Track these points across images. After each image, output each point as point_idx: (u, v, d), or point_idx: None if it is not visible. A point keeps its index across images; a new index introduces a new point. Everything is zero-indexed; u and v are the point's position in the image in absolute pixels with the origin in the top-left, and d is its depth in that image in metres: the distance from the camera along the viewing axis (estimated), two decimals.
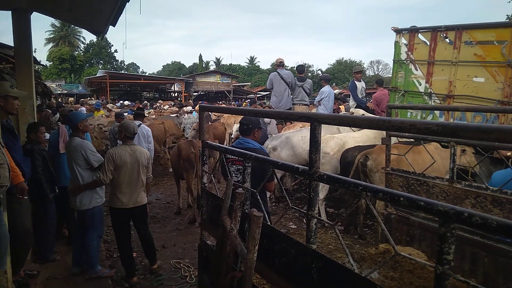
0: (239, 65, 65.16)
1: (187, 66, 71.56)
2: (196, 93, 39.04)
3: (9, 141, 3.53)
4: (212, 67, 60.62)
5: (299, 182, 8.17)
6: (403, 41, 7.51)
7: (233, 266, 2.28)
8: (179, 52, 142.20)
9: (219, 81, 40.31)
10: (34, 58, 6.72)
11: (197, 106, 20.94)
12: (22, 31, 5.81)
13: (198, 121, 9.75)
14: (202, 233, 2.91)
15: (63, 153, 4.70)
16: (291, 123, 8.41)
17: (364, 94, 9.50)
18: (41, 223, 4.22)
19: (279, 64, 9.05)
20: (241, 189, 2.44)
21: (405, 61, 7.48)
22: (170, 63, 78.47)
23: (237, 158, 3.48)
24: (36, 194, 4.14)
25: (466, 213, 1.17)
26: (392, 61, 7.79)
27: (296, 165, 2.02)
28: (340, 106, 11.51)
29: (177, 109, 18.70)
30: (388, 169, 4.01)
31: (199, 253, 2.92)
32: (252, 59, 67.31)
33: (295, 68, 10.68)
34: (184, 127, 11.89)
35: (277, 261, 2.10)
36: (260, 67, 64.39)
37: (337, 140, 6.09)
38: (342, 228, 5.67)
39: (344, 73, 51.22)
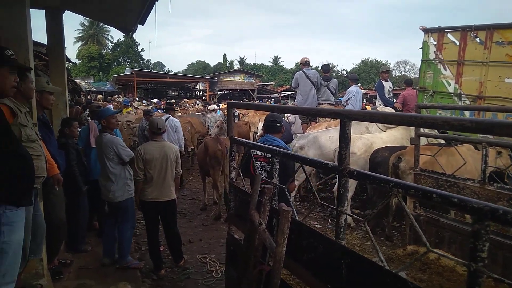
0: (263, 64, 65.23)
1: (212, 65, 72.21)
2: (220, 92, 39.38)
3: (45, 135, 3.66)
4: (236, 66, 60.93)
5: (324, 182, 8.13)
6: (432, 40, 7.36)
7: (261, 260, 2.32)
8: (204, 51, 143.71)
9: (243, 80, 40.49)
10: (65, 56, 6.95)
11: (222, 104, 21.17)
12: (55, 29, 6.02)
13: (220, 119, 9.95)
14: (230, 227, 2.95)
15: (94, 147, 4.86)
16: (316, 123, 8.38)
17: (391, 95, 9.36)
18: (74, 215, 4.37)
19: (305, 63, 9.03)
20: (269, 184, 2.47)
21: (433, 61, 7.33)
22: (195, 62, 79.33)
23: (262, 155, 3.51)
24: (70, 187, 4.29)
25: (501, 210, 1.15)
26: (420, 61, 7.65)
27: (326, 162, 2.03)
28: (366, 106, 11.39)
29: (202, 107, 18.93)
30: (417, 169, 3.96)
31: (226, 246, 2.97)
32: (276, 59, 67.24)
33: (319, 68, 10.62)
34: (208, 125, 12.06)
35: (305, 256, 2.12)
36: (284, 66, 64.23)
37: (364, 140, 6.03)
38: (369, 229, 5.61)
39: (369, 73, 50.47)
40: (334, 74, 47.75)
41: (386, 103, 8.85)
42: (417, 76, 8.38)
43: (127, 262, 4.25)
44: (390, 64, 53.67)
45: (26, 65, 2.95)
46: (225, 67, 60.71)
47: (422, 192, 1.46)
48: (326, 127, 7.40)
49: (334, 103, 9.69)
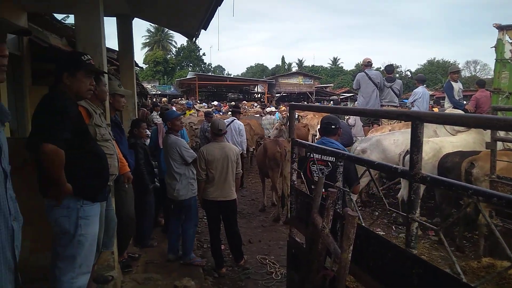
0: (322, 66, 64.43)
1: (270, 68, 72.62)
2: (278, 94, 39.46)
3: (117, 135, 3.89)
4: (294, 68, 60.74)
5: (387, 188, 7.81)
6: (507, 38, 6.79)
7: (325, 266, 2.27)
8: (262, 54, 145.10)
9: (302, 83, 40.21)
10: (134, 61, 7.36)
11: (280, 106, 21.19)
12: (125, 35, 6.36)
13: (279, 121, 9.95)
14: (291, 230, 2.92)
15: (162, 148, 5.09)
16: (379, 125, 8.08)
17: (461, 96, 8.76)
18: (142, 211, 4.59)
19: (367, 64, 8.74)
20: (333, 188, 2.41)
21: (509, 60, 6.74)
22: (254, 65, 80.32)
23: (319, 157, 3.44)
24: (138, 185, 4.52)
25: None
26: (494, 61, 7.08)
27: (395, 166, 1.93)
28: (434, 109, 10.77)
29: (260, 109, 19.09)
30: (494, 176, 3.65)
31: (288, 249, 2.94)
32: (335, 60, 66.07)
33: (381, 69, 10.25)
34: (263, 127, 12.13)
35: (371, 263, 2.03)
36: (344, 68, 62.89)
37: (432, 144, 5.70)
38: (436, 239, 5.29)
39: (436, 74, 47.74)
40: (397, 75, 45.83)
41: (456, 105, 8.29)
42: (490, 77, 7.78)
43: (190, 259, 4.38)
44: (459, 64, 50.39)
45: (101, 69, 3.13)
46: (283, 70, 60.78)
47: (506, 200, 1.33)
48: (389, 130, 7.10)
49: (398, 105, 9.28)
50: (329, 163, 3.44)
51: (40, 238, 2.90)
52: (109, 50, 8.27)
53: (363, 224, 2.22)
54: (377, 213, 6.51)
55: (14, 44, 5.56)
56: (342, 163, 2.66)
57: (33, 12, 5.98)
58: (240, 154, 7.66)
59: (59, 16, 7.54)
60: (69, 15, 9.16)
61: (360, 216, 2.23)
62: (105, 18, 3.78)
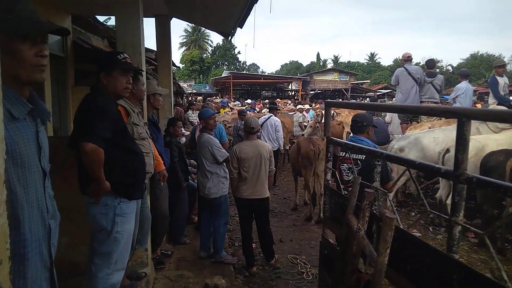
0: (358, 62, 63.15)
1: (304, 65, 72.10)
2: (313, 92, 39.03)
3: (153, 133, 3.97)
4: (330, 65, 59.91)
5: (424, 187, 7.53)
6: None
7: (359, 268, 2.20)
8: (297, 51, 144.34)
9: (337, 79, 39.59)
10: (171, 60, 7.49)
11: (314, 104, 20.94)
12: (163, 36, 6.48)
13: (313, 119, 9.83)
14: (324, 231, 2.87)
15: None
16: (418, 123, 7.79)
17: (507, 91, 8.29)
18: (175, 208, 4.67)
19: (407, 59, 8.44)
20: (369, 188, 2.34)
21: None
22: (288, 62, 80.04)
23: (348, 155, 3.36)
24: (172, 182, 4.59)
25: None
26: None
27: (438, 166, 1.84)
28: (476, 105, 10.27)
29: (294, 107, 18.94)
30: None
31: (320, 250, 2.89)
32: (372, 56, 64.54)
33: (421, 64, 9.86)
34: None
35: (408, 267, 1.95)
36: (381, 63, 61.30)
37: (474, 142, 5.42)
38: (476, 241, 5.05)
39: (479, 68, 45.53)
40: (437, 70, 44.14)
41: (501, 101, 7.85)
42: None
43: (221, 257, 4.40)
44: (504, 57, 47.76)
45: (137, 67, 3.19)
46: (318, 67, 60.10)
47: None
48: (429, 128, 6.83)
49: (439, 102, 8.91)
50: (358, 161, 3.36)
51: (78, 234, 2.99)
52: (147, 50, 8.48)
53: (401, 227, 2.14)
54: (413, 214, 6.29)
55: (58, 46, 5.82)
56: (379, 162, 2.57)
57: (77, 14, 6.22)
58: (277, 150, 7.73)
59: (101, 18, 7.83)
60: (110, 17, 9.48)
61: (398, 218, 2.14)
62: (144, 18, 3.87)
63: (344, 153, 3.33)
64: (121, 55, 2.60)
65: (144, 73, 3.60)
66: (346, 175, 3.31)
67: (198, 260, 4.40)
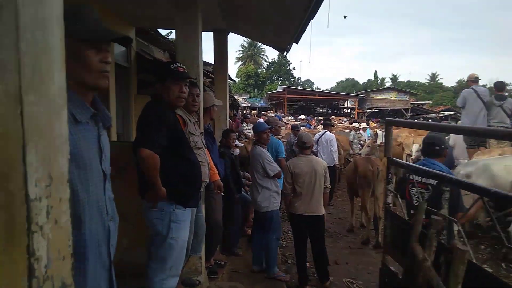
0: (419, 82, 60.86)
1: (361, 82, 70.76)
2: (369, 110, 38.03)
3: (209, 143, 4.00)
4: (388, 83, 58.34)
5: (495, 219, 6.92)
6: None
7: None
8: (353, 69, 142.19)
9: (395, 98, 38.33)
10: (228, 74, 7.64)
11: (371, 122, 20.35)
12: (220, 49, 6.64)
13: (370, 138, 9.50)
14: (385, 257, 2.68)
15: None
16: (486, 148, 7.22)
17: None
18: (228, 219, 4.65)
19: (474, 80, 7.90)
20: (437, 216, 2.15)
21: None
22: (344, 79, 79.02)
23: (420, 180, 3.13)
24: (225, 193, 4.61)
25: None
26: None
27: None
28: None
29: (349, 125, 18.55)
30: None
31: (380, 277, 2.71)
32: (434, 76, 61.98)
33: (487, 86, 9.18)
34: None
35: None
36: (443, 84, 58.55)
37: None
38: None
39: None
40: (506, 94, 41.22)
41: None
42: None
43: (274, 273, 4.31)
44: None
45: (189, 75, 3.24)
46: (375, 85, 58.74)
47: None
48: (499, 154, 6.30)
49: (510, 127, 8.22)
50: (429, 186, 3.11)
51: (136, 236, 3.07)
52: (205, 63, 8.74)
53: (474, 261, 1.92)
54: (483, 247, 5.77)
55: (123, 57, 6.17)
56: (448, 188, 2.36)
57: (140, 27, 6.58)
58: (333, 166, 7.56)
59: (163, 32, 8.22)
60: (172, 31, 9.91)
61: (471, 252, 1.93)
62: (203, 33, 3.99)
63: (415, 176, 3.11)
64: (174, 64, 2.66)
65: (201, 84, 3.67)
66: (416, 200, 3.09)
67: (251, 274, 4.34)
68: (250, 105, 39.59)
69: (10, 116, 0.73)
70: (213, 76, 7.80)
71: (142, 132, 2.42)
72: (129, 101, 6.32)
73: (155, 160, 2.33)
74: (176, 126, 2.61)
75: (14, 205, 0.74)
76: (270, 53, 72.10)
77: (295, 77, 67.65)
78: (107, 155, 1.43)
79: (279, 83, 59.19)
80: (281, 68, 64.09)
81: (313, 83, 79.45)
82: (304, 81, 76.42)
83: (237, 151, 6.29)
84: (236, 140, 5.79)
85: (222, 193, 3.90)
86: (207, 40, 6.88)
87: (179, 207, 2.52)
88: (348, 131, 14.22)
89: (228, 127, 6.91)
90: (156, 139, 2.35)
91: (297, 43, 5.88)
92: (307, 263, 4.55)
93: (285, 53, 7.44)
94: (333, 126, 11.18)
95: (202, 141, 3.25)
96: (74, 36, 1.23)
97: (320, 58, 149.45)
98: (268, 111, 32.34)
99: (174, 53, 6.88)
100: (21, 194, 0.74)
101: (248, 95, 49.78)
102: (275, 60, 63.72)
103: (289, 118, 24.02)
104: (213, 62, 7.34)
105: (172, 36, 11.08)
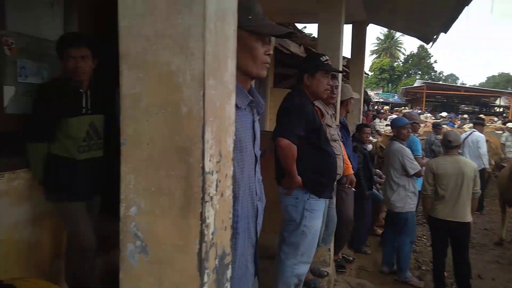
0: None
1: None
2: None
3: (343, 137, 3.95)
4: None
5: None
6: None
7: None
8: (508, 62, 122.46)
9: None
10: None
11: None
12: (358, 42, 6.48)
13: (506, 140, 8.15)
14: None
15: None
16: None
17: None
18: (358, 216, 4.55)
19: None
20: None
21: None
22: (496, 74, 68.95)
23: None
24: (356, 189, 4.50)
25: None
26: None
27: None
28: None
29: (501, 125, 16.22)
30: None
31: None
32: None
33: None
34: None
35: None
36: None
37: None
38: None
39: None
40: None
41: None
42: None
43: (406, 277, 4.12)
44: None
45: (338, 69, 3.25)
46: None
47: None
48: None
49: None
50: None
51: (269, 221, 3.22)
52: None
53: None
54: None
55: None
56: None
57: (279, 22, 6.79)
58: (482, 169, 6.75)
59: (299, 26, 8.33)
60: (306, 25, 10.00)
61: None
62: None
63: None
64: (323, 57, 2.71)
65: (339, 76, 3.67)
66: None
67: (380, 274, 4.25)
68: (382, 100, 37.66)
69: (195, 97, 0.84)
70: (347, 70, 7.64)
71: (282, 122, 2.52)
72: (265, 94, 6.65)
73: (293, 150, 2.40)
74: (314, 118, 2.65)
75: (192, 176, 0.86)
76: (408, 46, 67.30)
77: (436, 71, 61.86)
78: (258, 140, 1.54)
79: (417, 77, 54.69)
80: (421, 61, 59.08)
81: (457, 78, 71.59)
82: (447, 75, 69.33)
83: (370, 146, 6.09)
84: (369, 135, 5.60)
85: (354, 188, 3.82)
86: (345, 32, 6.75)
87: (313, 197, 2.56)
88: (501, 132, 12.44)
89: (361, 122, 6.73)
90: (294, 130, 2.42)
91: (445, 33, 5.43)
92: (446, 273, 4.18)
93: (430, 44, 6.87)
94: (484, 125, 9.90)
95: (338, 133, 3.25)
96: (246, 28, 1.33)
97: (468, 50, 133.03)
98: (403, 107, 30.32)
99: (310, 48, 6.97)
100: (199, 167, 0.85)
101: (381, 90, 47.35)
102: (414, 53, 59.03)
103: (427, 115, 22.11)
104: (348, 55, 7.18)
105: (307, 30, 11.22)
